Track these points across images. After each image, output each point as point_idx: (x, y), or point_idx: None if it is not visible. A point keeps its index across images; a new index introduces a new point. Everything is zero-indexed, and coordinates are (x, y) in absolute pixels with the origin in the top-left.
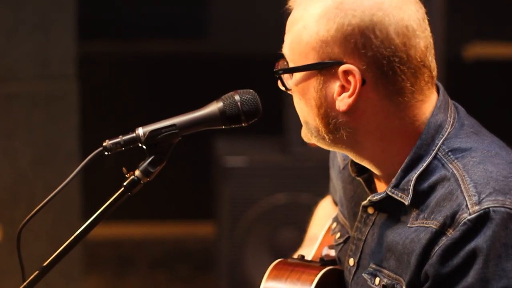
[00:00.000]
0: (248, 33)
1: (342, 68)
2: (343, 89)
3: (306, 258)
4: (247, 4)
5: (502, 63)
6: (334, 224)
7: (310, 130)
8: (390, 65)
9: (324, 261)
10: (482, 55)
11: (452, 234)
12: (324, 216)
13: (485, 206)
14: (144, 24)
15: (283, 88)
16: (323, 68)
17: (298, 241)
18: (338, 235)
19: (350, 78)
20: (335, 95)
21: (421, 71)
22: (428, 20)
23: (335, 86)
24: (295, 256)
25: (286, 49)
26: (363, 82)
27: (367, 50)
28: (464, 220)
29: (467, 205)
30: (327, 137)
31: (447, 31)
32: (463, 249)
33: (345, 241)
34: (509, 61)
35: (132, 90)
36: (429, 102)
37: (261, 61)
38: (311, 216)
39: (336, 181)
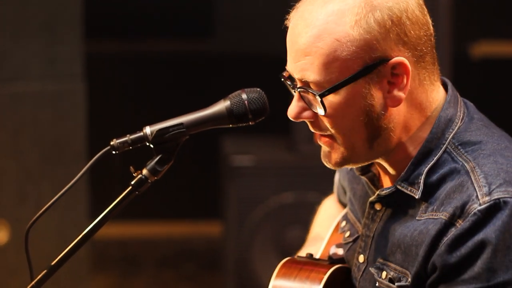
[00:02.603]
0: (255, 32)
1: (391, 62)
2: (391, 85)
3: (314, 256)
4: (254, 3)
5: (509, 62)
6: (344, 223)
7: (354, 149)
8: (425, 44)
9: (332, 260)
10: (489, 53)
11: (461, 224)
12: (329, 216)
13: (496, 197)
14: (151, 23)
15: (305, 116)
16: (371, 71)
17: (305, 240)
18: (347, 233)
19: (397, 71)
20: (384, 94)
21: (434, 50)
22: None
23: (383, 84)
24: (303, 254)
25: (313, 75)
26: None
27: (408, 36)
28: (474, 211)
29: (477, 195)
30: (365, 151)
31: (454, 30)
32: (471, 239)
33: (354, 241)
34: None
35: (139, 89)
36: (437, 93)
37: (268, 60)
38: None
39: (344, 182)
